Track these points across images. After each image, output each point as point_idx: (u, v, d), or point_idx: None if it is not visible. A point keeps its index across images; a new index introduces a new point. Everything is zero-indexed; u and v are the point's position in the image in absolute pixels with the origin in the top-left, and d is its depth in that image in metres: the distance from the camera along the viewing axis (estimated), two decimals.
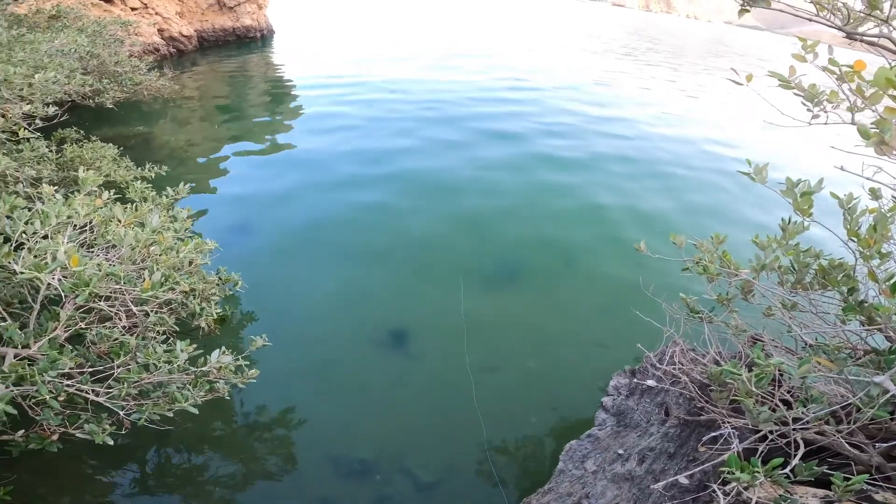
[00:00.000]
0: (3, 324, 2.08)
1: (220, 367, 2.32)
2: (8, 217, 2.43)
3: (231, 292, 3.76)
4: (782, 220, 2.24)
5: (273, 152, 7.68)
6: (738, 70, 2.31)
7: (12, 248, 2.23)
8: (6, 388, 1.92)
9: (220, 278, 3.61)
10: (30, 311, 2.34)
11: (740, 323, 2.37)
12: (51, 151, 4.29)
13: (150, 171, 4.59)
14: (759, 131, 12.21)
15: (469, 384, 3.46)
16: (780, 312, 2.15)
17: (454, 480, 2.87)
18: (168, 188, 3.66)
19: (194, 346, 2.34)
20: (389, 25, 28.01)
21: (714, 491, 1.59)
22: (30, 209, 2.54)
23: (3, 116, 3.71)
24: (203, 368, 2.30)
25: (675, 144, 9.93)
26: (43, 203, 2.55)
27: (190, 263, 3.15)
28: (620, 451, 2.51)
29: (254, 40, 17.41)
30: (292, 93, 11.62)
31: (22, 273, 2.10)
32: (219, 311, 3.36)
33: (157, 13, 13.94)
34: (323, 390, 3.41)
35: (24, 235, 2.38)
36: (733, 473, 1.49)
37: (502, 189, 6.82)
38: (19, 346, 2.11)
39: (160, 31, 13.96)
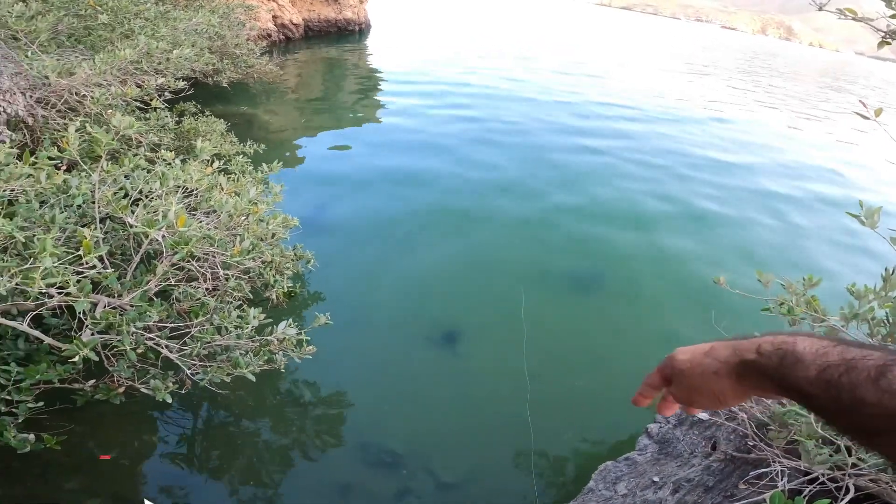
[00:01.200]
0: (104, 271, 2.20)
1: (284, 338, 2.49)
2: (126, 177, 2.76)
3: (303, 269, 4.01)
4: (886, 269, 2.03)
5: (358, 143, 8.05)
6: (866, 103, 2.09)
7: (129, 203, 2.53)
8: (92, 334, 2.08)
9: (295, 254, 3.87)
10: (128, 263, 2.60)
11: None
12: (172, 122, 4.84)
13: (250, 147, 5.02)
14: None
15: (511, 394, 3.43)
16: None
17: (478, 486, 2.87)
18: (263, 164, 3.99)
19: (263, 315, 2.52)
20: (484, 27, 28.14)
21: None
22: (148, 171, 2.88)
23: (140, 87, 4.23)
24: (267, 338, 2.47)
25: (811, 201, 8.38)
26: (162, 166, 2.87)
27: (273, 236, 3.42)
28: (656, 479, 2.40)
29: (352, 33, 18.30)
30: (382, 87, 12.10)
31: (133, 227, 2.39)
32: (289, 285, 3.62)
33: (274, 0, 15.09)
34: (368, 377, 3.54)
35: (140, 193, 2.70)
36: None
37: (585, 208, 6.68)
38: (114, 296, 2.27)
39: (274, 17, 15.12)
